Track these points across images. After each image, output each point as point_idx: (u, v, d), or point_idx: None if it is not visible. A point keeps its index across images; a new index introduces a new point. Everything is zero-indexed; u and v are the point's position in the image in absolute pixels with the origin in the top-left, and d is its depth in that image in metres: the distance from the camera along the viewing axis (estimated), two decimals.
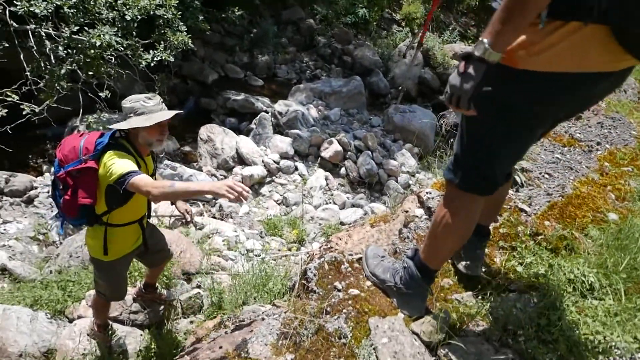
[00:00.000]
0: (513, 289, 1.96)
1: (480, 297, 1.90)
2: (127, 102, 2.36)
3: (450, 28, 14.15)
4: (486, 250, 2.20)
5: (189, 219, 2.88)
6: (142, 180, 2.13)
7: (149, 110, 2.32)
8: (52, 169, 2.69)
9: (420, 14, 13.89)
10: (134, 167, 2.21)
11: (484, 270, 2.08)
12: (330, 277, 1.95)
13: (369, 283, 1.95)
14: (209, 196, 6.29)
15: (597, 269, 1.95)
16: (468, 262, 1.95)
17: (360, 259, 2.08)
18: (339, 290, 1.88)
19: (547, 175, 2.77)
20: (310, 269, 1.99)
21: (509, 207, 2.43)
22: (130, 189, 2.16)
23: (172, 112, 2.37)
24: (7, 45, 5.61)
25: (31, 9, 5.09)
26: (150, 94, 2.41)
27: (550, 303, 1.84)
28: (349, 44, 11.97)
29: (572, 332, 1.70)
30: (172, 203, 2.95)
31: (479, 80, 1.18)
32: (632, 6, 1.05)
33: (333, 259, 2.03)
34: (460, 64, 1.21)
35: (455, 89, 1.22)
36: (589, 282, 1.88)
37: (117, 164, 2.20)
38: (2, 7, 5.49)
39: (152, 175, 2.59)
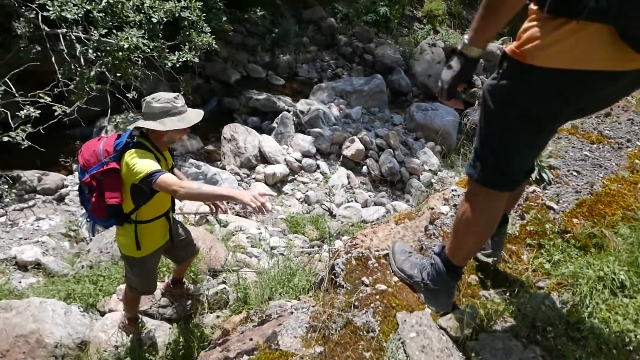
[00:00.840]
0: (541, 286, 1.96)
1: (507, 294, 1.90)
2: (155, 102, 2.37)
3: None
4: (513, 247, 2.20)
5: (214, 212, 2.84)
6: (168, 179, 2.19)
7: (179, 111, 2.39)
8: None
9: (442, 11, 13.76)
10: (157, 166, 2.27)
11: (511, 267, 2.07)
12: (357, 272, 1.98)
13: (395, 278, 1.98)
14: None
15: (628, 267, 1.92)
16: (488, 251, 1.95)
17: (387, 254, 2.10)
18: (367, 285, 1.91)
19: (575, 173, 2.73)
20: (337, 264, 2.02)
21: (536, 204, 2.41)
22: (157, 188, 2.22)
23: (201, 113, 2.47)
24: (40, 48, 5.82)
25: (62, 13, 5.27)
26: (176, 94, 2.45)
27: (580, 300, 1.83)
28: (370, 42, 11.94)
29: (602, 330, 1.69)
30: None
31: (457, 71, 1.29)
32: (630, 4, 1.05)
33: (360, 255, 2.06)
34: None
35: (441, 81, 1.34)
36: (620, 280, 1.86)
37: (140, 163, 2.25)
38: (35, 12, 5.70)
39: (172, 169, 2.66)
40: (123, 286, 3.35)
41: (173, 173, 2.69)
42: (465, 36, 1.23)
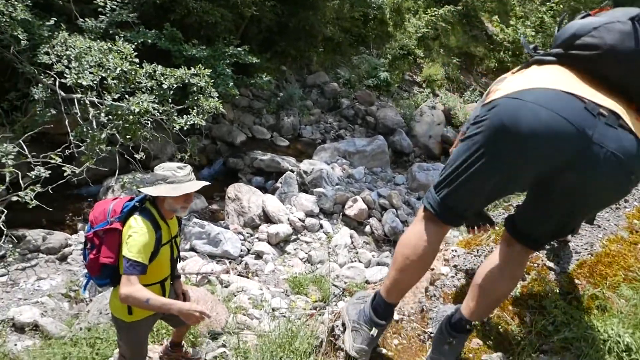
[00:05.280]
0: (545, 349, 1.92)
1: (511, 358, 1.86)
2: (159, 170, 2.48)
3: (471, 88, 14.53)
4: (516, 309, 2.17)
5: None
6: (128, 282, 2.28)
7: (178, 180, 2.44)
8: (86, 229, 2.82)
9: (440, 75, 14.37)
10: (142, 259, 2.32)
11: (514, 330, 2.04)
12: None
13: (396, 341, 1.95)
14: (234, 253, 6.39)
15: (633, 329, 1.90)
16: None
17: None
18: None
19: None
20: (337, 325, 2.00)
21: (536, 265, 2.41)
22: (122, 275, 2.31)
23: (199, 185, 2.52)
24: (55, 112, 6.10)
25: (79, 80, 5.57)
26: (182, 164, 2.53)
27: None
28: (371, 105, 12.38)
29: None
30: (172, 283, 2.87)
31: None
32: None
33: None
34: None
35: None
36: (625, 342, 1.83)
37: (132, 241, 2.31)
38: (53, 78, 6.03)
39: (175, 237, 2.66)
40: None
41: (177, 242, 2.72)
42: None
